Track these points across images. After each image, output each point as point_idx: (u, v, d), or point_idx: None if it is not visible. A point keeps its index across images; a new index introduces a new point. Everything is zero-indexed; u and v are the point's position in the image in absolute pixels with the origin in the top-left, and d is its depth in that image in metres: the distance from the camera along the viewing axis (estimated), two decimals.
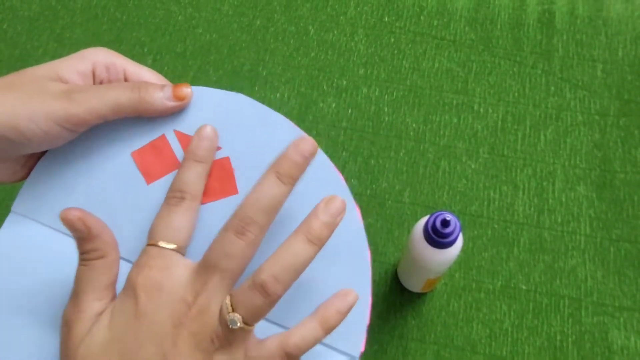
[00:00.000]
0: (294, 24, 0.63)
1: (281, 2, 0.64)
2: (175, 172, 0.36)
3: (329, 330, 0.31)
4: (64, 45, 0.61)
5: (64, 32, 0.63)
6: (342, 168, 0.55)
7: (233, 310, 0.29)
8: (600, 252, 0.50)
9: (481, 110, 0.57)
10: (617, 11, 0.62)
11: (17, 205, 0.38)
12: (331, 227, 0.31)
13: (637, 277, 0.49)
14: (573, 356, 0.47)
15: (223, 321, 0.29)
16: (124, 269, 0.34)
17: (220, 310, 0.29)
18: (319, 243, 0.30)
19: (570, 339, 0.47)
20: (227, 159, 0.37)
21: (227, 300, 0.29)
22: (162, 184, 0.36)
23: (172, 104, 0.35)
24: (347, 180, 0.54)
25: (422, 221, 0.42)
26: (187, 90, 0.36)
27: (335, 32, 0.62)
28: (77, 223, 0.32)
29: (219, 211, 0.36)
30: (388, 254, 0.51)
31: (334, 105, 0.58)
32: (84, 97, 0.33)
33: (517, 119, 0.57)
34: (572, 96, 0.57)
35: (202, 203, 0.36)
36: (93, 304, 0.31)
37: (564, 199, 0.53)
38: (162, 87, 0.35)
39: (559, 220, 0.52)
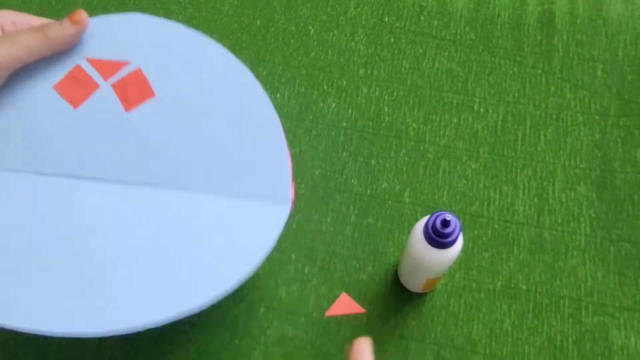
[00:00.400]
0: (294, 24, 0.63)
1: (281, 2, 0.64)
2: (96, 92, 0.42)
3: None
4: None
5: None
6: (342, 168, 0.55)
7: None
8: (600, 252, 0.50)
9: (481, 110, 0.57)
10: (617, 11, 0.62)
11: None
12: None
13: (637, 277, 0.49)
14: (573, 356, 0.47)
15: None
16: (59, 184, 0.42)
17: None
18: None
19: (570, 339, 0.47)
20: (138, 70, 0.42)
21: None
22: (87, 106, 0.42)
23: (72, 30, 0.40)
24: (347, 180, 0.54)
25: (422, 221, 0.42)
26: (82, 14, 0.40)
27: (336, 32, 0.62)
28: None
29: (145, 114, 0.42)
30: (388, 253, 0.51)
31: (334, 105, 0.58)
32: (6, 47, 0.38)
33: (517, 119, 0.57)
34: (572, 96, 0.57)
35: (127, 110, 0.42)
36: None
37: (564, 199, 0.53)
38: (60, 23, 0.40)
39: (559, 220, 0.52)
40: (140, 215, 0.42)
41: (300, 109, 0.58)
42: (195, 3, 0.64)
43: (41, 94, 0.43)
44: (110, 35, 0.42)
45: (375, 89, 0.59)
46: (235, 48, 0.61)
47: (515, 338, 0.48)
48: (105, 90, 0.42)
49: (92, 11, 0.64)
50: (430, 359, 0.47)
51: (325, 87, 0.59)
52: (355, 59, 0.60)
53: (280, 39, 0.62)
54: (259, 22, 0.63)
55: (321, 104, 0.58)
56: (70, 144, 0.43)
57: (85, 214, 0.42)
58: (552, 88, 0.58)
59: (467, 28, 0.62)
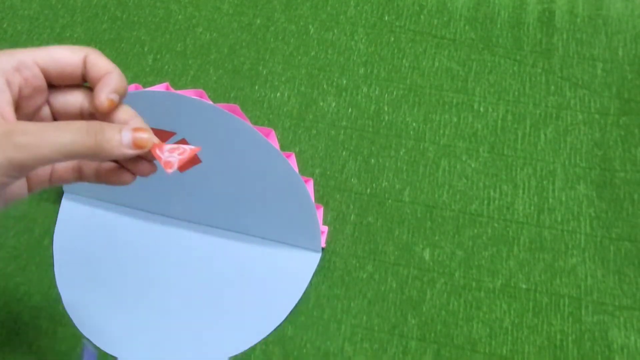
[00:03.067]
0: (294, 23, 0.63)
1: (281, 1, 0.64)
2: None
3: None
4: (64, 44, 0.61)
5: (64, 31, 0.63)
6: (342, 167, 0.55)
7: None
8: (600, 251, 0.50)
9: (481, 109, 0.57)
10: (617, 10, 0.62)
11: (67, 186, 0.53)
12: None
13: (637, 276, 0.49)
14: (573, 355, 0.47)
15: None
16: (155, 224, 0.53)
17: None
18: None
19: (570, 338, 0.47)
20: (183, 139, 0.44)
21: None
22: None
23: (131, 152, 0.30)
24: (347, 179, 0.54)
25: None
26: (148, 140, 0.31)
27: (336, 31, 0.62)
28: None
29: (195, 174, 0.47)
30: (388, 252, 0.51)
31: (334, 104, 0.58)
32: (30, 141, 0.28)
33: (517, 118, 0.57)
34: (572, 95, 0.57)
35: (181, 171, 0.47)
36: None
37: (564, 198, 0.53)
38: (120, 129, 0.30)
39: (559, 219, 0.52)
40: (198, 258, 0.51)
41: (300, 108, 0.58)
42: (195, 2, 0.64)
43: None
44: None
45: (375, 88, 0.59)
46: (235, 47, 0.61)
47: (515, 337, 0.48)
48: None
49: (91, 10, 0.64)
50: (430, 357, 0.47)
51: (325, 86, 0.59)
52: (355, 58, 0.60)
53: (280, 38, 0.62)
54: (258, 21, 0.63)
55: (321, 103, 0.58)
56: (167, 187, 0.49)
57: (157, 252, 0.51)
58: (552, 87, 0.58)
59: (467, 27, 0.61)
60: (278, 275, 0.50)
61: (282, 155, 0.43)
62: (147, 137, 0.31)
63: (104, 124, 0.30)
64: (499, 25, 0.61)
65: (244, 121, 0.42)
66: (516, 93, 0.58)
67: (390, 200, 0.53)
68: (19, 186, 0.34)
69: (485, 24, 0.61)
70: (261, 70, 0.60)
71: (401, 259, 0.51)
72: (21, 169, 0.29)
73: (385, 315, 0.49)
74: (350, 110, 0.57)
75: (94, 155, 0.30)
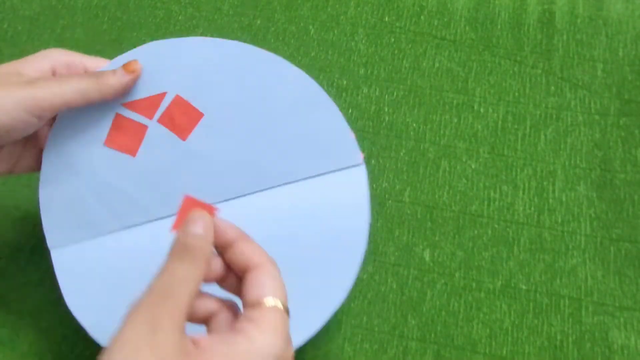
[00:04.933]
0: (295, 23, 0.63)
1: (281, 1, 0.64)
2: (147, 133, 0.41)
3: None
4: (65, 44, 0.61)
5: (65, 32, 0.63)
6: None
7: None
8: (600, 251, 0.50)
9: (481, 110, 0.57)
10: (617, 11, 0.62)
11: (50, 240, 0.43)
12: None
13: (637, 277, 0.49)
14: (573, 356, 0.47)
15: None
16: (151, 230, 0.42)
17: None
18: None
19: (570, 339, 0.47)
20: (177, 96, 0.41)
21: None
22: (145, 149, 0.42)
23: (126, 78, 0.39)
24: None
25: None
26: (136, 64, 0.40)
27: (336, 31, 0.62)
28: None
29: (202, 135, 0.42)
30: (388, 253, 0.51)
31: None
32: (48, 84, 0.37)
33: (518, 118, 0.57)
34: (572, 96, 0.57)
35: (184, 139, 0.42)
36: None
37: (564, 199, 0.53)
38: (114, 71, 0.39)
39: (559, 220, 0.52)
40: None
41: None
42: (196, 3, 0.64)
43: (96, 154, 0.42)
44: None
45: (376, 89, 0.59)
46: None
47: (515, 338, 0.48)
48: (154, 128, 0.42)
49: (92, 11, 0.64)
50: (430, 358, 0.47)
51: (325, 86, 0.58)
52: (355, 59, 0.60)
53: (281, 38, 0.62)
54: (259, 22, 0.63)
55: None
56: (146, 188, 0.42)
57: None
58: (552, 88, 0.58)
59: (467, 28, 0.62)
60: (336, 211, 0.43)
61: (296, 68, 0.42)
62: (136, 65, 0.40)
63: (102, 71, 0.39)
64: (499, 26, 0.61)
65: (251, 46, 0.41)
66: (516, 94, 0.58)
67: (390, 201, 0.53)
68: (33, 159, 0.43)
69: (485, 25, 0.61)
70: None
71: (401, 260, 0.51)
72: (43, 106, 0.36)
73: (385, 316, 0.49)
74: (350, 110, 0.57)
75: (100, 91, 0.38)
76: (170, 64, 0.42)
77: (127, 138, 0.41)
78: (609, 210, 0.52)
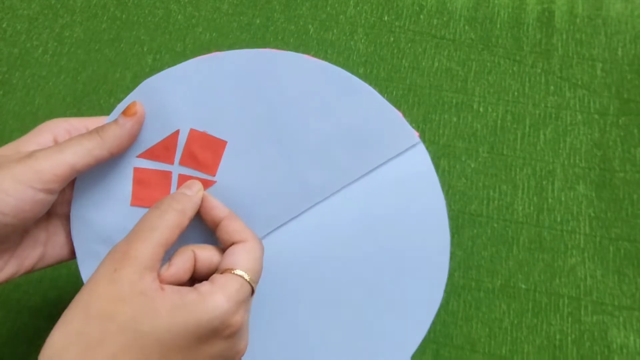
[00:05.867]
0: (294, 22, 0.63)
1: (281, 1, 0.64)
2: (173, 180, 0.37)
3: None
4: (64, 44, 0.61)
5: (64, 31, 0.63)
6: None
7: None
8: (599, 251, 0.50)
9: (481, 109, 0.57)
10: (616, 10, 0.62)
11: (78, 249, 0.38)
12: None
13: (636, 276, 0.49)
14: (572, 355, 0.47)
15: None
16: None
17: None
18: None
19: (569, 338, 0.47)
20: (191, 130, 0.37)
21: None
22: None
23: (129, 123, 0.35)
24: None
25: None
26: (136, 105, 0.36)
27: (335, 31, 0.62)
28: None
29: (232, 167, 0.37)
30: None
31: None
32: (46, 152, 0.33)
33: (517, 118, 0.57)
34: (571, 95, 0.57)
35: (213, 175, 0.37)
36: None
37: (563, 198, 0.53)
38: (115, 121, 0.36)
39: (559, 219, 0.52)
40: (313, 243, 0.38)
41: None
42: (195, 2, 0.64)
43: (124, 217, 0.37)
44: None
45: (375, 88, 0.58)
46: (234, 47, 0.61)
47: (514, 337, 0.48)
48: (179, 172, 0.37)
49: (91, 10, 0.64)
50: (429, 357, 0.47)
51: None
52: (354, 58, 0.60)
53: (280, 38, 0.62)
54: (258, 21, 0.63)
55: None
56: (188, 241, 0.36)
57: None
58: (552, 87, 0.58)
59: (466, 27, 0.62)
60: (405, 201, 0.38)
61: (311, 58, 0.37)
62: (134, 107, 0.36)
63: (103, 125, 0.36)
64: (498, 26, 0.61)
65: (284, 52, 0.36)
66: (515, 93, 0.58)
67: None
68: (60, 245, 0.38)
69: (484, 24, 0.61)
70: None
71: None
72: (46, 179, 0.33)
73: None
74: None
75: (102, 146, 0.35)
76: (172, 97, 0.37)
77: (153, 191, 0.37)
78: (608, 209, 0.52)
